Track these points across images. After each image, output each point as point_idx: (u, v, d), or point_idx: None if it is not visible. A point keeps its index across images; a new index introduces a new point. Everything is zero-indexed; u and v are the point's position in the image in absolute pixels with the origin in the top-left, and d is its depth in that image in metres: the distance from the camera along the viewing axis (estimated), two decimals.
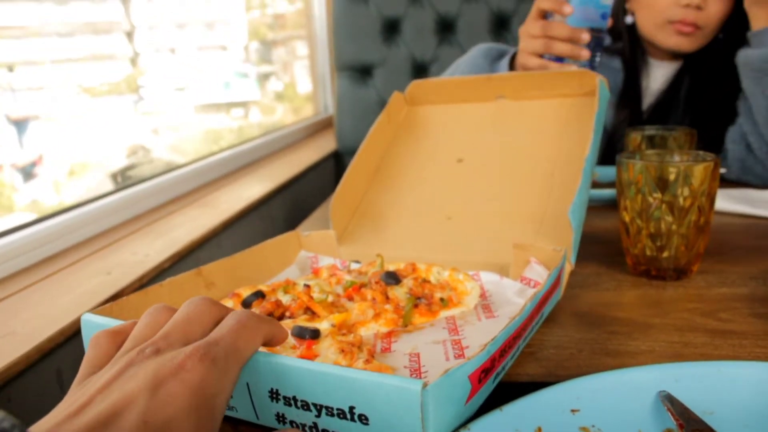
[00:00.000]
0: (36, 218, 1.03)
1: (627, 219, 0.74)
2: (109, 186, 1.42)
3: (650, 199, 0.70)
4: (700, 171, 0.68)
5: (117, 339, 0.40)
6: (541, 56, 1.12)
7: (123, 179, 1.47)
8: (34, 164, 1.32)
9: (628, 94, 1.38)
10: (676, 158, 0.74)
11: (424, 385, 0.37)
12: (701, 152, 0.74)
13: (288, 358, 0.41)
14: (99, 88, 1.51)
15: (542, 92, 0.89)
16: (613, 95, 1.37)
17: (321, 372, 0.39)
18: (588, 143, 0.73)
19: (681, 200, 0.69)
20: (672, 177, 0.68)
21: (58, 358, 0.75)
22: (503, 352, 0.45)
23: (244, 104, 2.36)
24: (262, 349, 0.43)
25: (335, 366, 0.39)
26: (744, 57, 1.17)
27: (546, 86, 0.89)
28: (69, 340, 0.76)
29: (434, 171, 0.89)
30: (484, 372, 0.42)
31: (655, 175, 0.69)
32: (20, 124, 1.28)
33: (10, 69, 1.25)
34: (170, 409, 0.32)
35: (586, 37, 1.06)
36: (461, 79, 0.97)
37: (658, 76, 1.38)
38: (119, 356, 0.37)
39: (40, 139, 1.32)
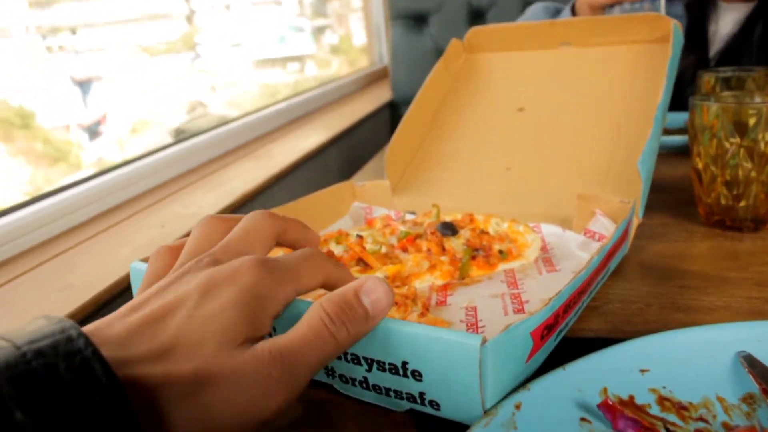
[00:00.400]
0: (94, 173, 1.03)
1: (700, 166, 0.69)
2: (170, 141, 1.43)
3: (727, 144, 0.65)
4: None
5: (176, 252, 0.40)
6: None
7: (183, 135, 1.47)
8: (98, 123, 1.35)
9: (694, 39, 1.30)
10: (757, 99, 0.69)
11: (483, 341, 0.34)
12: None
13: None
14: (157, 47, 1.52)
15: (609, 38, 0.84)
16: None
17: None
18: (660, 90, 0.68)
19: (762, 145, 0.64)
20: (752, 120, 0.63)
21: (115, 309, 0.75)
22: (567, 307, 0.42)
23: (299, 58, 2.35)
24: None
25: (389, 319, 0.37)
26: None
27: (614, 32, 0.84)
28: (124, 292, 0.76)
29: (493, 120, 0.85)
30: (547, 328, 0.39)
31: (733, 118, 0.64)
32: (84, 85, 1.31)
33: (73, 32, 1.26)
34: (216, 302, 0.32)
35: None
36: (523, 25, 0.93)
37: (728, 20, 1.30)
38: (177, 267, 0.37)
39: (104, 98, 1.34)
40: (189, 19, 1.68)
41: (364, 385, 0.40)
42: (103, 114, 1.36)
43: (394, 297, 0.36)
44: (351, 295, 0.35)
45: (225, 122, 1.43)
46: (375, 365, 0.38)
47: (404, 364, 0.37)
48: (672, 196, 0.80)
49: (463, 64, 0.94)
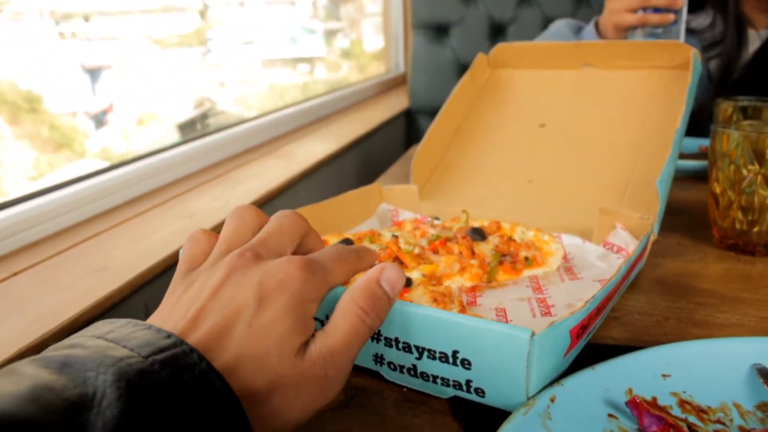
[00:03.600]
0: (121, 161, 1.06)
1: (718, 191, 0.72)
2: (176, 136, 1.45)
3: (744, 171, 0.69)
4: None
5: (212, 238, 0.42)
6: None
7: (190, 130, 1.49)
8: (105, 112, 1.35)
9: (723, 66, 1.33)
10: None
11: (533, 335, 0.37)
12: None
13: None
14: (169, 39, 1.53)
15: (631, 62, 0.88)
16: None
17: (428, 315, 0.40)
18: (679, 115, 0.72)
19: None
20: None
21: (147, 294, 0.78)
22: (599, 311, 0.46)
23: (309, 60, 2.36)
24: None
25: (443, 310, 0.40)
26: None
27: (635, 56, 0.87)
28: (156, 278, 0.79)
29: (516, 134, 0.89)
30: (582, 328, 0.43)
31: (752, 147, 0.68)
32: (94, 73, 1.31)
33: (86, 19, 1.28)
34: (271, 312, 0.35)
35: None
36: (548, 44, 0.96)
37: (752, 49, 1.33)
38: (217, 256, 0.39)
39: (112, 88, 1.34)
40: (202, 13, 1.69)
41: (412, 372, 0.43)
42: (111, 103, 1.36)
43: (404, 276, 0.40)
44: (375, 285, 0.39)
45: (243, 121, 1.45)
46: (426, 353, 0.41)
47: (455, 353, 0.40)
48: (687, 218, 0.84)
49: (488, 78, 0.98)
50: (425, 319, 0.40)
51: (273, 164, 1.28)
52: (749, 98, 0.99)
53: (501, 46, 0.97)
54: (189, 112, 1.58)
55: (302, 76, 2.36)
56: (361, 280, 0.39)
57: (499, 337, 0.38)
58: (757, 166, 0.68)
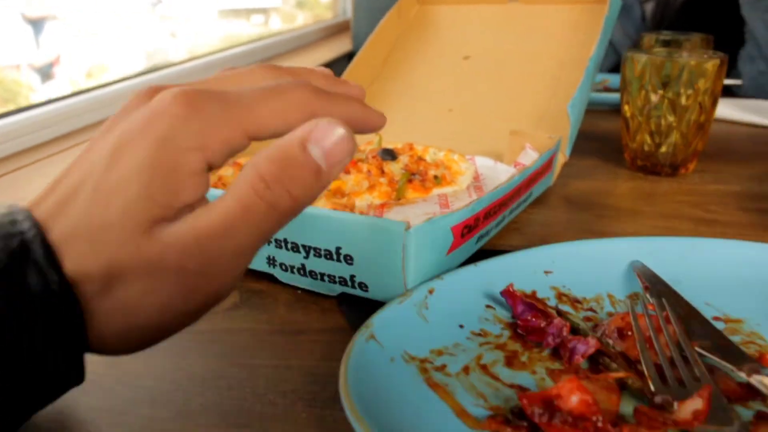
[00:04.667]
0: (67, 93, 1.04)
1: (628, 114, 0.74)
2: None
3: (653, 96, 0.71)
4: (704, 68, 0.68)
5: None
6: None
7: None
8: (51, 65, 1.31)
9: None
10: (683, 55, 0.74)
11: (407, 227, 0.39)
12: (709, 51, 0.74)
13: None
14: None
15: None
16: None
17: (312, 215, 0.42)
18: (594, 44, 0.73)
19: (683, 98, 0.69)
20: (676, 73, 0.69)
21: None
22: (488, 214, 0.47)
23: (264, 11, 2.33)
24: None
25: (325, 209, 0.41)
26: None
27: None
28: None
29: (440, 66, 0.89)
30: (467, 228, 0.44)
31: (660, 71, 0.69)
32: (37, 24, 1.26)
33: None
34: (123, 169, 0.26)
35: None
36: None
37: None
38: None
39: (58, 39, 1.30)
40: None
41: (302, 272, 0.44)
42: (57, 55, 1.33)
43: (354, 142, 0.27)
44: (296, 146, 0.26)
45: (185, 60, 1.44)
46: (312, 252, 0.43)
47: (338, 249, 0.41)
48: (602, 143, 0.86)
49: (416, 14, 0.98)
50: (309, 219, 0.42)
51: None
52: (673, 33, 1.01)
53: None
54: (140, 64, 1.55)
55: (256, 27, 2.32)
56: (276, 141, 0.27)
57: (376, 231, 0.39)
58: (662, 91, 0.70)
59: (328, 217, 0.41)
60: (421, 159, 0.66)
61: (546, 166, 0.61)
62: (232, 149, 0.27)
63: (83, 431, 0.33)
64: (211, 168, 0.27)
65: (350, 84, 0.34)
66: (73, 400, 0.35)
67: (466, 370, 0.35)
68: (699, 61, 0.69)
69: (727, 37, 1.25)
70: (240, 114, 0.27)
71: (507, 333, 0.39)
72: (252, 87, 0.28)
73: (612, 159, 0.80)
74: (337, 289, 0.44)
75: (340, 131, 0.26)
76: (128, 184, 0.25)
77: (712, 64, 0.69)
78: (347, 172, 0.63)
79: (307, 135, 0.26)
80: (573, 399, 0.30)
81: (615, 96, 1.04)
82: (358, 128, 0.31)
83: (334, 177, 0.27)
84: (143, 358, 0.39)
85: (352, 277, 0.42)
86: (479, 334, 0.39)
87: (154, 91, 0.29)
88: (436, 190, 0.63)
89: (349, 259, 0.41)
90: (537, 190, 0.62)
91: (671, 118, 0.71)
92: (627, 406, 0.32)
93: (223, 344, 0.41)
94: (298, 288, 0.47)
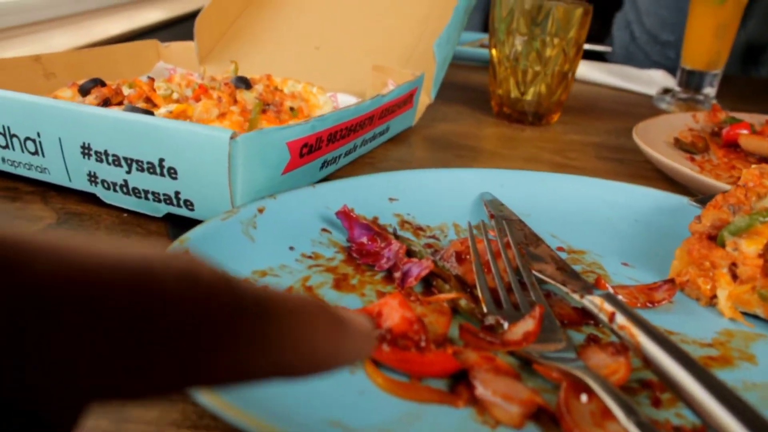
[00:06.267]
0: None
1: (495, 60, 0.73)
2: None
3: (518, 42, 0.70)
4: (570, 15, 0.68)
5: None
6: None
7: None
8: None
9: None
10: (552, 2, 0.73)
11: (234, 136, 0.35)
12: (576, 1, 0.73)
13: (99, 108, 0.38)
14: None
15: None
16: None
17: (131, 120, 0.37)
18: None
19: (549, 47, 0.69)
20: (542, 17, 0.68)
21: None
22: (332, 137, 0.44)
23: None
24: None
25: (145, 116, 0.37)
26: None
27: None
28: None
29: (308, 3, 0.85)
30: (307, 147, 0.41)
31: (527, 15, 0.68)
32: None
33: None
34: None
35: None
36: None
37: None
38: None
39: None
40: None
41: (125, 190, 0.40)
42: None
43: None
44: None
45: None
46: (135, 165, 0.38)
47: (161, 161, 0.37)
48: (472, 93, 0.85)
49: None
50: (130, 126, 0.37)
51: (68, 35, 1.18)
52: None
53: None
54: None
55: None
56: None
57: (200, 139, 0.35)
58: (529, 36, 0.69)
59: (149, 124, 0.36)
60: (277, 90, 0.62)
61: (405, 100, 0.59)
62: None
63: None
64: None
65: None
66: None
67: (288, 291, 0.32)
68: (566, 8, 0.68)
69: (602, 3, 1.28)
70: None
71: (340, 256, 0.36)
72: None
73: (479, 107, 0.79)
74: (163, 209, 0.40)
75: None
76: None
77: (577, 12, 0.68)
78: (197, 99, 0.59)
79: None
80: (395, 316, 0.28)
81: (488, 52, 1.04)
82: None
83: None
84: None
85: (177, 193, 0.38)
86: (310, 257, 0.36)
87: None
88: (292, 123, 0.60)
89: (173, 173, 0.37)
90: (395, 126, 0.59)
91: (537, 67, 0.70)
92: (456, 330, 0.30)
93: None
94: (124, 210, 0.43)
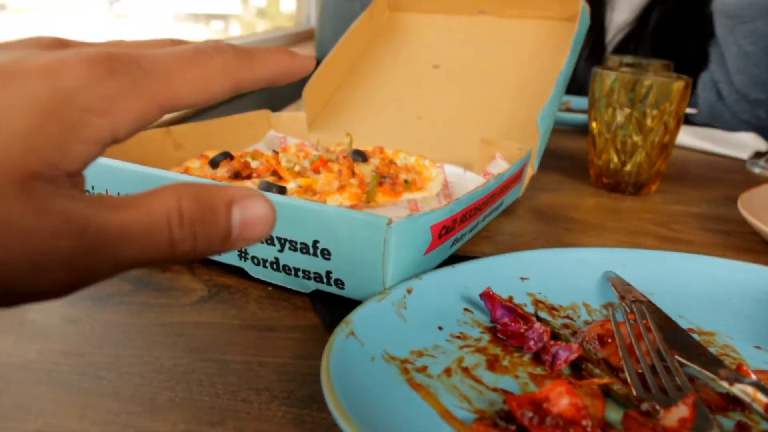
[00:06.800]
0: None
1: (595, 131, 0.75)
2: None
3: (619, 114, 0.71)
4: (671, 89, 0.70)
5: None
6: None
7: None
8: None
9: (591, 24, 1.37)
10: (651, 76, 0.75)
11: (389, 222, 0.38)
12: (674, 74, 0.75)
13: (255, 191, 0.41)
14: None
15: (523, 11, 0.90)
16: None
17: (289, 204, 0.40)
18: (564, 59, 0.74)
19: (649, 118, 0.70)
20: (643, 92, 0.70)
21: None
22: (464, 217, 0.47)
23: (224, 17, 2.30)
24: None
25: (303, 200, 0.40)
26: (720, 3, 1.17)
27: (528, 6, 0.89)
28: None
29: (409, 74, 0.89)
30: (445, 228, 0.44)
31: (628, 89, 0.70)
32: None
33: None
34: (6, 98, 0.21)
35: None
36: None
37: (623, 7, 1.37)
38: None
39: (6, 31, 1.26)
40: None
41: (275, 266, 0.43)
42: None
43: (273, 227, 0.26)
44: (221, 202, 0.25)
45: None
46: (287, 245, 0.41)
47: (315, 242, 0.40)
48: (569, 162, 0.87)
49: (387, 20, 0.98)
50: (286, 209, 0.40)
51: None
52: (635, 57, 1.03)
53: None
54: None
55: (216, 33, 2.29)
56: (209, 185, 0.25)
57: (357, 224, 0.38)
58: (630, 109, 0.70)
59: (307, 209, 0.39)
60: (392, 162, 0.65)
61: (517, 176, 0.61)
62: (142, 121, 0.24)
63: (43, 424, 0.31)
64: (113, 140, 0.24)
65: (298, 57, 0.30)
66: (33, 390, 0.33)
67: (448, 372, 0.34)
68: (666, 81, 0.69)
69: (686, 65, 1.28)
70: (156, 84, 0.24)
71: (486, 337, 0.38)
72: (170, 51, 0.25)
73: (577, 176, 0.81)
74: (311, 285, 0.42)
75: (267, 214, 0.25)
76: (10, 118, 0.21)
77: (677, 85, 0.70)
78: (317, 171, 0.62)
79: (238, 199, 0.25)
80: (563, 402, 0.29)
81: (578, 116, 1.06)
82: (288, 76, 0.29)
83: (237, 248, 0.25)
84: (106, 349, 0.37)
85: (329, 273, 0.41)
86: (458, 337, 0.38)
87: (59, 43, 0.26)
88: (406, 195, 0.63)
89: (326, 254, 0.40)
90: (507, 199, 0.61)
91: (637, 138, 0.72)
92: (611, 413, 0.32)
93: (191, 338, 0.39)
94: (269, 284, 0.46)
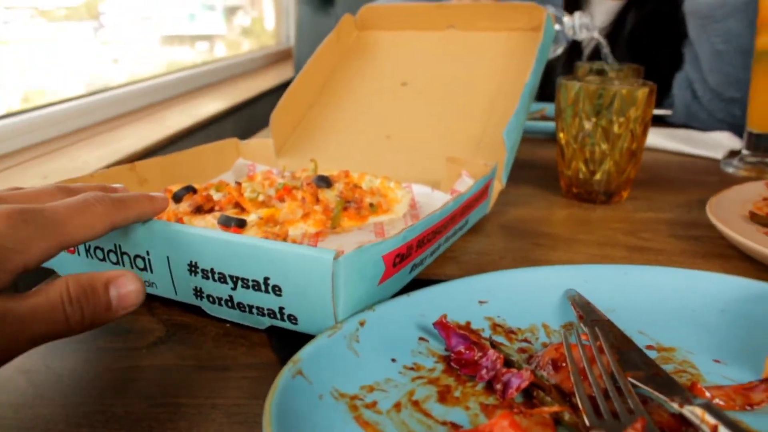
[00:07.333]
0: None
1: (563, 142, 0.75)
2: None
3: (586, 124, 0.71)
4: (635, 96, 0.70)
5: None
6: None
7: None
8: None
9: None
10: (615, 84, 0.75)
11: (336, 256, 0.38)
12: (639, 80, 0.75)
13: (208, 230, 0.41)
14: (56, 12, 1.45)
15: (491, 24, 0.90)
16: None
17: (238, 243, 0.40)
18: (529, 71, 0.74)
19: (616, 126, 0.70)
20: (608, 101, 0.70)
21: None
22: (421, 243, 0.47)
23: (209, 38, 2.30)
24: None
25: (252, 237, 0.40)
26: (691, 4, 1.17)
27: (496, 18, 0.89)
28: None
29: (378, 93, 0.89)
30: (399, 257, 0.43)
31: (593, 99, 0.70)
32: None
33: None
34: None
35: None
36: (413, 5, 0.97)
37: (600, 10, 1.37)
38: None
39: None
40: None
41: (230, 304, 0.43)
42: None
43: (144, 297, 0.35)
44: (100, 284, 0.33)
45: (123, 84, 1.40)
46: (240, 283, 0.41)
47: (266, 279, 0.40)
48: (540, 172, 0.87)
49: (355, 40, 0.98)
50: (237, 247, 0.40)
51: (146, 128, 1.25)
52: (603, 63, 1.03)
53: (367, 7, 0.97)
54: (79, 89, 1.51)
55: (201, 54, 2.30)
56: (91, 273, 0.34)
57: (304, 259, 0.38)
58: (595, 118, 0.70)
59: (256, 246, 0.39)
60: (356, 186, 0.65)
61: (481, 193, 0.61)
62: (47, 257, 0.33)
63: None
64: (24, 271, 0.32)
65: (157, 200, 0.43)
66: None
67: (397, 407, 0.34)
68: (630, 89, 0.69)
69: (661, 66, 1.29)
70: (57, 228, 0.33)
71: (440, 366, 0.38)
72: (65, 202, 0.35)
73: (548, 187, 0.80)
74: (266, 322, 0.42)
75: (136, 286, 0.34)
76: None
77: (642, 92, 0.70)
78: (280, 199, 0.62)
79: (113, 279, 0.34)
80: None
81: (551, 124, 1.06)
82: (150, 214, 0.42)
83: (119, 316, 0.34)
84: (57, 400, 0.37)
85: (281, 309, 0.40)
86: (412, 368, 0.38)
87: None
88: (372, 219, 0.63)
89: (277, 290, 0.40)
90: (473, 217, 0.61)
91: (604, 146, 0.72)
92: None
93: (145, 383, 0.39)
94: (227, 321, 0.46)
